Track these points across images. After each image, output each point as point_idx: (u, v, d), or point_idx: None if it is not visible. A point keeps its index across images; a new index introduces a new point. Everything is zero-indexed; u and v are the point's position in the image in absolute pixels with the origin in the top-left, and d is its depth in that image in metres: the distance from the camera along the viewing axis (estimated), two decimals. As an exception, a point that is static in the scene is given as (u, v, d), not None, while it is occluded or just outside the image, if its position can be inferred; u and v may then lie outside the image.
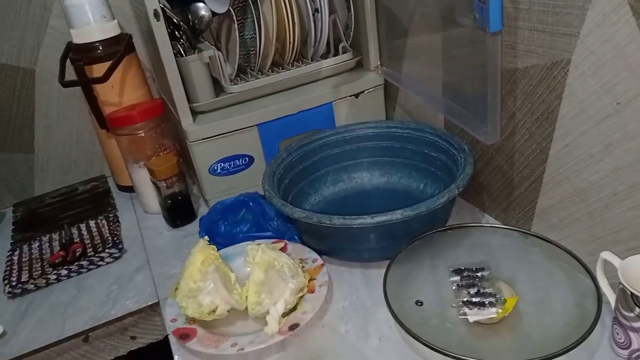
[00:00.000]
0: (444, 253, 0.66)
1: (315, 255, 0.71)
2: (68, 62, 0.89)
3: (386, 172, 0.87)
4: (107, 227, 0.90)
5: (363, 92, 0.91)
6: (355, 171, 0.88)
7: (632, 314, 0.49)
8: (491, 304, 0.55)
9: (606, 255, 0.53)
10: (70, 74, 0.89)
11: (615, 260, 0.52)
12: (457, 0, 0.61)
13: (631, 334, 0.50)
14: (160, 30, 0.75)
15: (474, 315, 0.55)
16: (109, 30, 0.89)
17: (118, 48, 0.88)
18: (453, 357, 0.49)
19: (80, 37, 0.88)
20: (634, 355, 0.51)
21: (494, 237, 0.67)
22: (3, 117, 0.99)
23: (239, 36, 0.87)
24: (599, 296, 0.53)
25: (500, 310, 0.55)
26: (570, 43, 0.53)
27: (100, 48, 0.89)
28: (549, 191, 0.64)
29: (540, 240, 0.63)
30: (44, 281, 0.79)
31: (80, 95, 0.95)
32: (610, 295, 0.54)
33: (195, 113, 0.85)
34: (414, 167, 0.84)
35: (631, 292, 0.48)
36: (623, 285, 0.49)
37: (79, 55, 0.89)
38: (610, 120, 0.52)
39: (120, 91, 0.91)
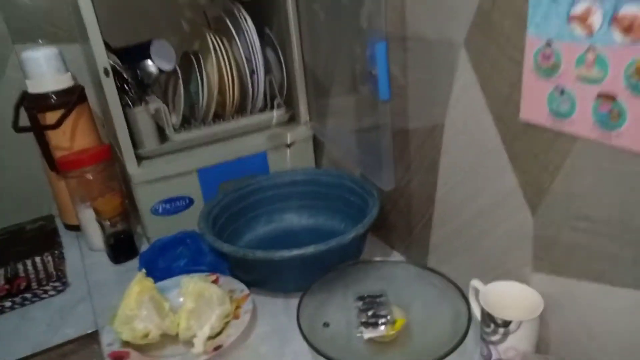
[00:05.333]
0: (354, 283, 0.76)
1: (243, 286, 0.80)
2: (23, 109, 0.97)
3: (313, 214, 0.98)
4: (52, 263, 0.95)
5: (294, 142, 1.03)
6: (286, 213, 0.98)
7: (489, 329, 0.60)
8: (383, 324, 0.65)
9: (474, 282, 0.65)
10: (25, 121, 0.96)
11: (480, 287, 0.64)
12: (361, 71, 0.74)
13: (490, 347, 0.61)
14: (109, 85, 0.85)
15: (368, 333, 0.65)
16: (63, 82, 0.97)
17: (70, 98, 0.96)
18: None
19: (35, 87, 0.96)
20: (495, 365, 0.62)
21: (396, 270, 0.78)
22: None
23: (184, 90, 0.97)
24: (469, 316, 0.64)
25: (390, 329, 0.65)
26: (443, 111, 0.67)
27: (54, 98, 0.96)
28: (437, 230, 0.76)
29: (430, 272, 0.74)
30: (-12, 313, 0.84)
31: (32, 138, 1.02)
32: (479, 316, 0.65)
33: (140, 158, 0.94)
34: (336, 209, 0.95)
35: (487, 312, 0.60)
36: (482, 306, 0.60)
37: (33, 103, 0.96)
38: (475, 170, 0.65)
39: (71, 137, 0.99)
